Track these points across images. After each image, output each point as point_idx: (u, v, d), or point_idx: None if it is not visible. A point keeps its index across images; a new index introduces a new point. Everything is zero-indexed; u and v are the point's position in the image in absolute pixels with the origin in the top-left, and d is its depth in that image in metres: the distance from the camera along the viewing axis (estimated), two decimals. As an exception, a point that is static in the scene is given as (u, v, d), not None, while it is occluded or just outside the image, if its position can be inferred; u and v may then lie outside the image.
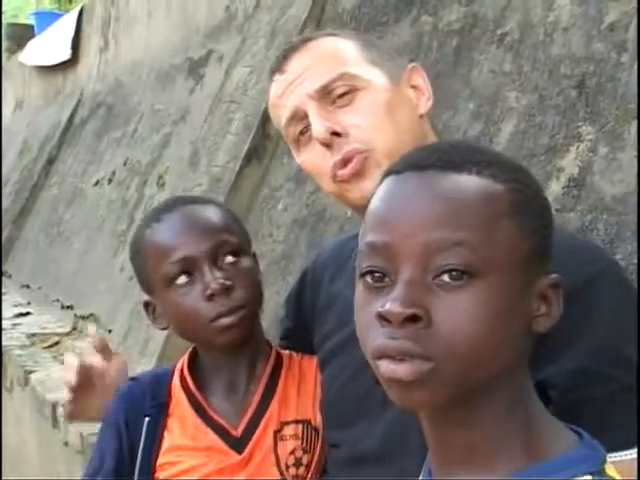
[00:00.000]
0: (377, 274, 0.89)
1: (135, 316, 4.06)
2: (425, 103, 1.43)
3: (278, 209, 3.56)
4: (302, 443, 1.48)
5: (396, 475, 1.32)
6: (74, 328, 5.32)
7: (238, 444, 1.46)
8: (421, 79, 1.44)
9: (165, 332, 3.72)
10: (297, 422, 1.49)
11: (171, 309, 1.49)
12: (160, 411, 1.50)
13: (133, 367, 3.82)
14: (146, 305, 1.56)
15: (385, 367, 0.86)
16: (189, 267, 1.45)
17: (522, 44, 2.54)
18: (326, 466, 1.48)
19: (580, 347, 1.11)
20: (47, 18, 9.55)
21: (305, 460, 1.48)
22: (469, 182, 0.89)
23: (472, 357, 0.85)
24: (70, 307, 5.59)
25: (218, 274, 1.45)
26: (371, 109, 1.35)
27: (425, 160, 0.91)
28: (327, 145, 1.34)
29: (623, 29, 2.21)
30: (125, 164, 5.99)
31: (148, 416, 1.49)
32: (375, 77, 1.38)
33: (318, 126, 1.34)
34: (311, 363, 1.56)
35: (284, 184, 3.64)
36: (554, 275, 0.92)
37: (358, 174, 1.34)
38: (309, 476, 1.47)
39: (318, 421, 1.50)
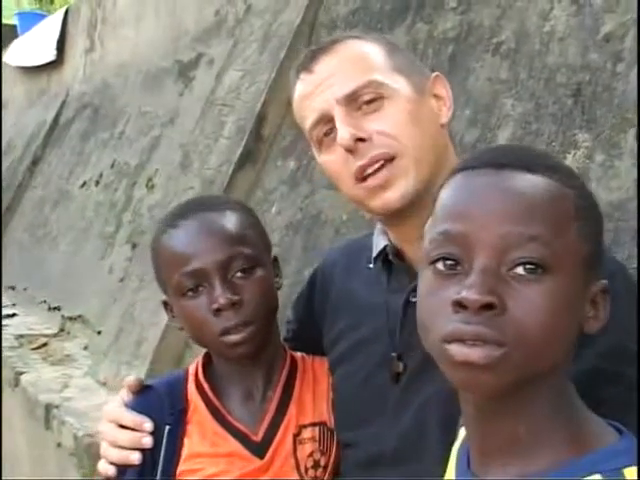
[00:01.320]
0: (449, 261, 0.94)
1: (127, 318, 4.07)
2: (446, 113, 1.46)
3: (272, 212, 3.58)
4: (319, 445, 1.50)
5: (411, 475, 1.35)
6: (62, 329, 5.31)
7: (259, 449, 1.48)
8: (443, 89, 1.47)
9: (158, 334, 3.75)
10: (314, 425, 1.51)
11: (183, 317, 1.51)
12: (179, 419, 1.50)
13: (126, 369, 3.84)
14: (165, 304, 1.57)
15: (457, 350, 0.91)
16: (200, 279, 1.46)
17: (518, 53, 2.59)
18: (341, 467, 1.50)
19: (594, 347, 1.14)
20: (31, 19, 9.51)
21: (323, 462, 1.50)
22: (543, 183, 0.95)
23: (540, 345, 0.91)
24: (57, 308, 5.58)
25: (227, 288, 1.45)
26: (396, 117, 1.38)
27: (502, 159, 0.98)
28: (350, 151, 1.37)
29: (619, 40, 2.25)
30: (112, 166, 5.99)
31: (168, 424, 1.48)
32: (401, 86, 1.41)
33: (344, 132, 1.36)
34: (323, 365, 1.58)
35: (278, 187, 3.66)
36: (604, 281, 0.99)
37: (385, 185, 1.37)
38: (326, 477, 1.50)
39: (333, 422, 1.52)
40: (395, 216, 1.42)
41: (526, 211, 0.92)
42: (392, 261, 1.46)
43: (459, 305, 0.91)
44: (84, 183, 6.38)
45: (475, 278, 0.91)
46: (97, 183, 6.13)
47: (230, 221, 1.51)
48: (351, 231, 2.96)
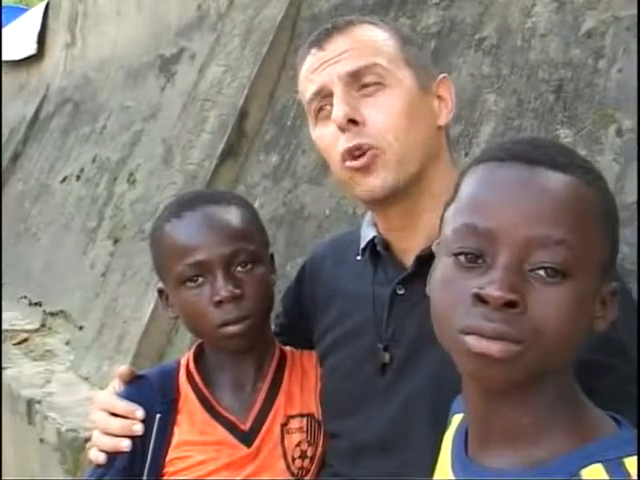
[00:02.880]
0: (470, 255, 0.95)
1: (109, 313, 4.07)
2: (446, 115, 1.46)
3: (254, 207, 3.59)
4: (307, 436, 1.52)
5: (397, 465, 1.37)
6: (43, 325, 5.30)
7: (247, 438, 1.50)
8: (447, 91, 1.48)
9: (140, 329, 3.74)
10: (302, 416, 1.53)
11: (181, 307, 1.52)
12: (170, 408, 1.51)
13: (108, 364, 3.84)
14: (160, 292, 1.58)
15: (475, 342, 0.92)
16: (203, 271, 1.48)
17: (500, 49, 2.61)
18: (326, 459, 1.52)
19: (586, 339, 1.15)
20: (11, 12, 9.47)
21: (309, 453, 1.52)
22: (573, 183, 0.95)
23: (555, 345, 0.93)
24: (38, 304, 5.56)
25: (229, 281, 1.47)
26: (393, 107, 1.39)
27: (533, 155, 0.96)
28: (342, 129, 1.38)
29: (600, 36, 2.28)
30: (94, 161, 5.98)
31: (159, 413, 1.50)
32: (405, 78, 1.42)
33: (339, 110, 1.38)
34: (311, 358, 1.60)
35: (260, 182, 3.67)
36: (615, 283, 1.00)
37: (366, 169, 1.38)
38: (313, 468, 1.52)
39: (320, 415, 1.54)
40: (378, 203, 1.43)
41: (556, 213, 0.93)
42: (380, 252, 1.47)
43: (480, 299, 0.92)
44: (65, 178, 6.36)
45: (499, 274, 0.92)
46: (78, 178, 6.11)
47: (235, 216, 1.53)
48: (334, 226, 2.98)
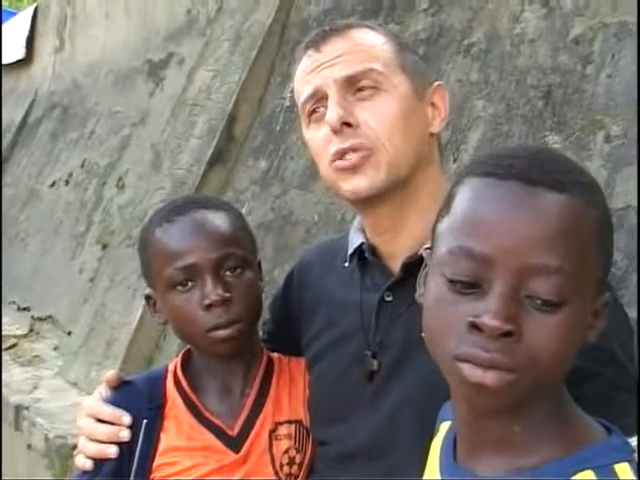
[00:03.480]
0: (465, 283, 0.92)
1: (98, 318, 4.06)
2: (439, 123, 1.46)
3: (243, 212, 3.58)
4: (295, 443, 1.51)
5: (384, 472, 1.36)
6: (31, 330, 5.28)
7: (235, 444, 1.49)
8: (442, 99, 1.47)
9: (129, 335, 3.74)
10: (290, 422, 1.53)
11: (170, 311, 1.52)
12: (156, 413, 1.51)
13: (97, 370, 3.83)
14: (147, 298, 1.58)
15: (470, 372, 0.91)
16: (192, 275, 1.48)
17: (489, 54, 2.61)
18: (314, 466, 1.52)
19: None
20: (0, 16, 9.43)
21: (298, 459, 1.51)
22: (572, 205, 0.92)
23: (550, 371, 0.92)
24: (27, 309, 5.55)
25: (219, 285, 1.47)
26: (387, 111, 1.39)
27: (533, 174, 0.93)
28: (335, 132, 1.38)
29: (588, 42, 2.28)
30: (82, 166, 5.96)
31: (146, 419, 1.50)
32: (401, 84, 1.42)
33: (333, 113, 1.38)
34: (299, 365, 1.59)
35: (249, 187, 3.67)
36: (608, 294, 0.98)
37: (354, 168, 1.38)
38: (301, 474, 1.51)
39: (308, 422, 1.54)
40: (364, 204, 1.43)
41: (554, 239, 0.90)
42: (368, 258, 1.47)
43: (476, 328, 0.90)
44: (54, 183, 6.34)
45: (495, 303, 0.90)
46: (67, 183, 6.10)
47: (225, 222, 1.54)
48: (322, 231, 2.98)
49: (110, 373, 1.56)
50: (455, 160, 2.52)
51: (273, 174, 3.54)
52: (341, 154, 1.39)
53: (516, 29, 2.54)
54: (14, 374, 4.19)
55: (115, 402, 1.52)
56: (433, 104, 1.46)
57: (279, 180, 3.47)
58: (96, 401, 1.54)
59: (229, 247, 1.50)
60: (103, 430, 1.49)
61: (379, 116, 1.39)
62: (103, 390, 1.55)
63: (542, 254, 0.90)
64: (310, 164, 3.17)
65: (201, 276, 1.47)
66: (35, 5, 8.00)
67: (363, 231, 1.50)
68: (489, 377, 0.90)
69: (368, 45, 1.43)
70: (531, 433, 0.96)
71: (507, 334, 0.89)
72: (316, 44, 1.44)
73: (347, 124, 1.38)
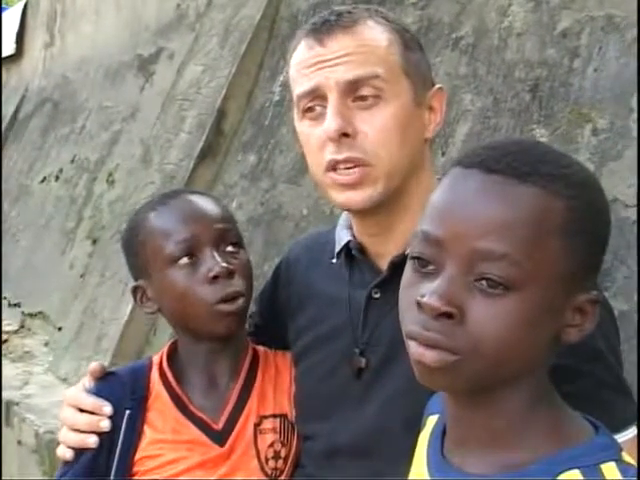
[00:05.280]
0: (423, 261, 0.96)
1: (88, 314, 4.06)
2: (434, 128, 1.44)
3: (233, 207, 3.58)
4: (280, 437, 1.51)
5: (371, 468, 1.36)
6: (22, 326, 5.28)
7: (219, 437, 1.49)
8: (440, 104, 1.45)
9: (119, 330, 3.73)
10: (275, 416, 1.52)
11: (170, 291, 1.51)
12: (139, 404, 1.51)
13: (87, 365, 3.82)
14: (134, 290, 1.57)
15: (414, 349, 0.94)
16: (193, 249, 1.48)
17: (477, 48, 2.61)
18: (300, 459, 1.52)
19: None
20: (-11, 12, 9.39)
21: (283, 453, 1.51)
22: (530, 195, 0.92)
23: (495, 358, 0.92)
24: (17, 305, 5.54)
25: (222, 258, 1.48)
26: (386, 124, 1.36)
27: (495, 163, 0.94)
28: (332, 140, 1.36)
29: (575, 36, 2.29)
30: (73, 161, 5.95)
31: (129, 409, 1.50)
32: (403, 91, 1.38)
33: (333, 122, 1.35)
34: (285, 359, 1.59)
35: (238, 181, 3.67)
36: (595, 292, 0.97)
37: (352, 185, 1.36)
38: (286, 469, 1.51)
39: (294, 415, 1.54)
40: (356, 212, 1.43)
41: (502, 226, 0.91)
42: (355, 256, 1.47)
43: (420, 306, 0.93)
44: (44, 178, 6.33)
45: (440, 284, 0.92)
46: (57, 178, 6.09)
47: (218, 203, 1.58)
48: (311, 225, 2.98)
49: (94, 364, 1.55)
50: (443, 154, 2.53)
51: (262, 168, 3.54)
52: (337, 165, 1.37)
53: (504, 23, 2.54)
54: (4, 370, 4.18)
55: (98, 392, 1.52)
56: (431, 107, 1.43)
57: (268, 174, 3.47)
58: (78, 391, 1.53)
59: (227, 223, 1.53)
60: (84, 420, 1.49)
61: (378, 128, 1.36)
62: (87, 381, 1.55)
63: (489, 240, 0.91)
64: (299, 159, 3.18)
65: (202, 250, 1.48)
66: (25, 1, 7.97)
67: (350, 228, 1.50)
68: (428, 356, 0.92)
69: (374, 46, 1.38)
70: (516, 429, 0.97)
71: (446, 315, 0.91)
72: (320, 36, 1.38)
73: (345, 134, 1.35)
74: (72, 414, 1.51)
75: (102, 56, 6.12)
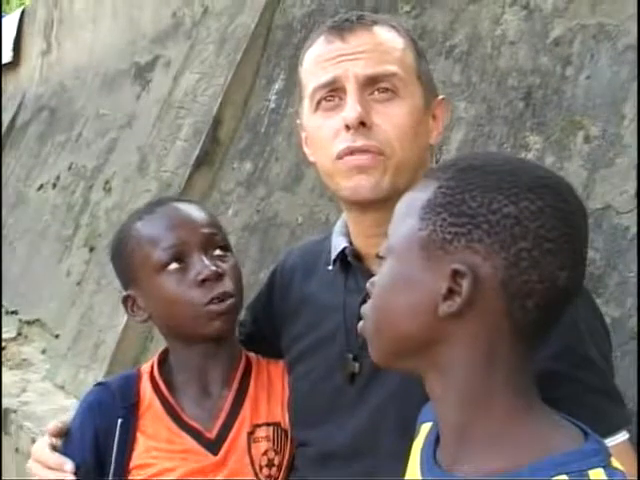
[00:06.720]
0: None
1: (85, 321, 4.06)
2: (436, 136, 1.49)
3: (228, 214, 3.60)
4: (273, 445, 1.52)
5: (364, 473, 1.37)
6: (19, 333, 5.28)
7: (213, 446, 1.50)
8: (442, 113, 1.50)
9: (116, 337, 3.74)
10: (268, 425, 1.53)
11: (160, 297, 1.52)
12: (131, 412, 1.52)
13: (84, 372, 3.83)
14: (125, 299, 1.58)
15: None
16: (181, 254, 1.50)
17: (470, 56, 2.63)
18: (295, 464, 1.52)
19: (545, 351, 1.15)
20: (-14, 20, 9.40)
21: (276, 461, 1.52)
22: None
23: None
24: (15, 312, 5.54)
25: (210, 262, 1.50)
26: (401, 119, 1.40)
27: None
28: (349, 128, 1.39)
29: (568, 44, 2.30)
30: (70, 169, 5.96)
31: (121, 418, 1.51)
32: (415, 92, 1.43)
33: (353, 110, 1.38)
34: (278, 367, 1.60)
35: (234, 189, 3.68)
36: (460, 265, 0.96)
37: (363, 168, 1.39)
38: (280, 476, 1.52)
39: (287, 423, 1.54)
40: (359, 205, 1.44)
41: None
42: (351, 262, 1.48)
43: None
44: (41, 186, 6.34)
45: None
46: (54, 186, 6.10)
47: (203, 211, 1.60)
48: (306, 233, 2.98)
49: (51, 424, 1.57)
50: (437, 161, 2.53)
51: (258, 176, 3.55)
52: (351, 152, 1.39)
53: (497, 31, 2.55)
54: (2, 377, 4.18)
55: (86, 408, 1.55)
56: (434, 116, 1.48)
57: (264, 182, 3.48)
58: (42, 449, 1.55)
59: (213, 227, 1.55)
60: (51, 477, 1.52)
61: (393, 122, 1.40)
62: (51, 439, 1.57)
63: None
64: (295, 167, 3.19)
65: (190, 254, 1.50)
66: (22, 8, 7.99)
67: (346, 234, 1.51)
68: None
69: (390, 46, 1.43)
70: (506, 435, 0.97)
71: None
72: (341, 32, 1.42)
73: (362, 123, 1.38)
74: (39, 470, 1.54)
75: (99, 64, 6.13)
